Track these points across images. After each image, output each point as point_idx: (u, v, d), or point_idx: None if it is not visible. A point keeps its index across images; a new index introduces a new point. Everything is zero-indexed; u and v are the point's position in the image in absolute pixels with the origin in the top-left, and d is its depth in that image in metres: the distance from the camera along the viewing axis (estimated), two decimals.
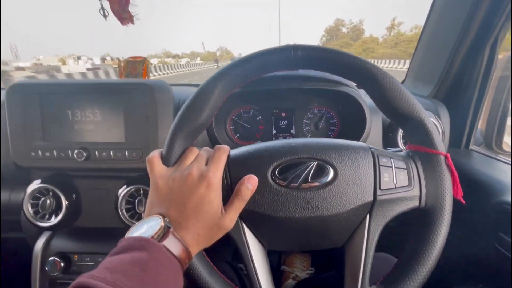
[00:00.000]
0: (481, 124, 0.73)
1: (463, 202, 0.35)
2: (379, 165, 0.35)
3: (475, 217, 0.54)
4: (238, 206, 0.33)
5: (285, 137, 0.73)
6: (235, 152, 0.37)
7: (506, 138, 0.71)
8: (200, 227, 0.31)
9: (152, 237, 0.29)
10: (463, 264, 0.58)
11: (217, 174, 0.33)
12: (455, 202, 0.35)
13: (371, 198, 0.34)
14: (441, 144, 0.35)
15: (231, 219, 0.33)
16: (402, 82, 0.87)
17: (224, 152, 0.35)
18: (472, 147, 0.69)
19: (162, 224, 0.29)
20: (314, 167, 0.35)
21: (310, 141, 0.37)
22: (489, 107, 0.71)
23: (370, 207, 0.35)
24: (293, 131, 0.73)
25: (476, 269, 0.56)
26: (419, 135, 0.35)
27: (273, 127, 0.73)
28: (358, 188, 0.34)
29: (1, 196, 0.70)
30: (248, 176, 0.34)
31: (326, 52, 0.34)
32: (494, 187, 0.53)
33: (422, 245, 0.33)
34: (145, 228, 0.30)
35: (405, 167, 0.35)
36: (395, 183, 0.35)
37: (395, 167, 0.35)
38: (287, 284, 0.84)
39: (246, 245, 0.35)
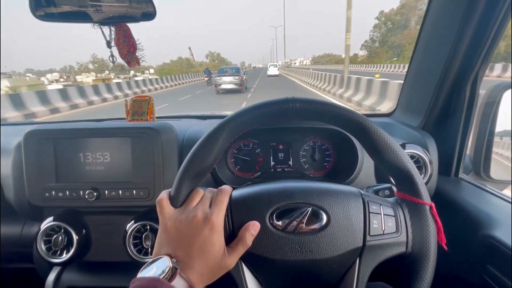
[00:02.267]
0: (470, 150, 0.76)
1: (446, 248, 0.38)
2: (369, 212, 0.38)
3: (464, 247, 0.57)
4: (240, 250, 0.37)
5: (283, 169, 0.77)
6: (237, 193, 0.41)
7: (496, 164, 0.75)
8: (204, 267, 0.35)
9: (162, 277, 0.32)
10: None
11: (219, 216, 0.36)
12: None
13: (360, 244, 0.37)
14: (427, 194, 0.38)
15: (232, 261, 0.36)
16: (393, 112, 0.92)
17: (226, 193, 0.39)
18: (461, 175, 0.72)
19: (170, 265, 0.33)
20: (309, 212, 0.38)
21: (306, 186, 0.41)
22: (475, 136, 0.75)
23: (360, 252, 0.38)
24: (290, 162, 0.77)
25: None
26: (406, 185, 0.39)
27: (271, 159, 0.77)
28: (349, 234, 0.37)
29: (13, 229, 0.74)
30: (253, 222, 0.37)
31: (322, 105, 0.38)
32: (482, 219, 0.56)
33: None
34: (155, 268, 0.33)
35: (393, 214, 0.38)
36: (383, 229, 0.38)
37: (383, 214, 0.38)
38: None
39: (244, 284, 0.38)
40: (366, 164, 0.67)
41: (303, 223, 0.38)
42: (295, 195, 0.39)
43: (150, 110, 0.77)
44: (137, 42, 0.74)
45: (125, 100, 0.78)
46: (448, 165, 0.73)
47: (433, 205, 0.38)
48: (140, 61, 0.76)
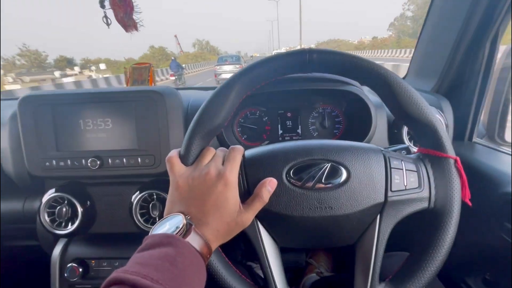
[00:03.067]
0: (484, 116, 0.74)
1: (470, 204, 0.36)
2: (391, 167, 0.36)
3: (480, 208, 0.56)
4: (257, 207, 0.35)
5: (291, 138, 0.75)
6: (250, 152, 0.39)
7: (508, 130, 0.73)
8: (220, 223, 0.33)
9: (176, 234, 0.30)
10: (470, 254, 0.60)
11: (233, 173, 0.35)
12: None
13: (382, 199, 0.36)
14: (451, 148, 0.36)
15: (248, 217, 0.35)
16: (404, 77, 0.88)
17: (239, 152, 0.37)
18: (475, 139, 0.71)
19: (184, 221, 0.31)
20: (328, 168, 0.36)
21: (324, 143, 0.39)
22: (491, 100, 0.72)
23: (381, 208, 0.36)
24: (299, 130, 0.74)
25: (483, 259, 0.58)
26: (430, 139, 0.37)
27: (279, 127, 0.74)
28: (370, 189, 0.36)
29: (14, 205, 0.72)
30: (269, 179, 0.35)
31: (340, 56, 0.36)
32: (498, 178, 0.54)
33: (430, 245, 0.35)
34: (168, 226, 0.31)
35: (415, 169, 0.37)
36: (405, 184, 0.36)
37: (405, 169, 0.37)
38: (310, 277, 0.87)
39: (260, 242, 0.37)
40: (379, 128, 0.65)
41: (322, 178, 0.36)
42: (312, 151, 0.37)
43: (151, 77, 0.73)
44: (134, 3, 0.69)
45: (124, 68, 0.74)
46: (461, 129, 0.71)
47: (458, 158, 0.36)
48: (138, 25, 0.71)
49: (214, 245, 0.34)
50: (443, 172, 0.36)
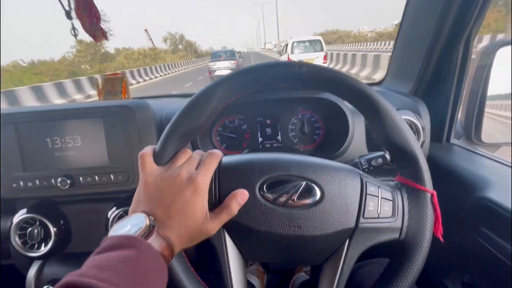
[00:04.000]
0: (461, 117, 0.75)
1: (442, 240, 0.36)
2: (366, 193, 0.36)
3: (458, 211, 0.56)
4: (224, 218, 0.34)
5: (271, 145, 0.74)
6: (227, 159, 0.38)
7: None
8: (183, 228, 0.32)
9: (138, 235, 0.29)
10: (448, 257, 0.60)
11: (205, 179, 0.33)
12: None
13: (353, 225, 0.35)
14: (430, 182, 0.36)
15: (213, 226, 0.34)
16: (383, 80, 0.88)
17: (216, 157, 0.35)
18: (453, 140, 0.71)
19: (148, 222, 0.30)
20: (302, 186, 0.35)
21: (302, 159, 0.38)
22: (467, 100, 0.73)
23: (350, 233, 0.36)
24: (279, 137, 0.73)
25: (461, 262, 0.59)
26: (410, 170, 0.36)
27: (259, 135, 0.73)
28: (341, 213, 0.35)
29: None
30: (241, 191, 0.34)
31: (330, 73, 0.35)
32: (474, 182, 0.55)
33: (396, 275, 0.35)
34: (129, 226, 0.30)
35: (391, 198, 0.36)
36: (379, 212, 0.35)
37: (381, 197, 0.36)
38: (299, 276, 0.86)
39: (225, 253, 0.36)
40: (357, 134, 0.65)
41: (294, 196, 0.35)
42: (289, 166, 0.36)
43: (124, 89, 0.71)
44: (101, 13, 0.66)
45: (96, 79, 0.71)
46: (439, 131, 0.71)
47: (435, 193, 0.36)
48: (108, 34, 0.69)
49: (177, 249, 0.32)
50: (418, 204, 0.35)
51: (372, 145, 0.66)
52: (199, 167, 0.34)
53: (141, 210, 0.32)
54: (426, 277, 0.53)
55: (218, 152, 0.36)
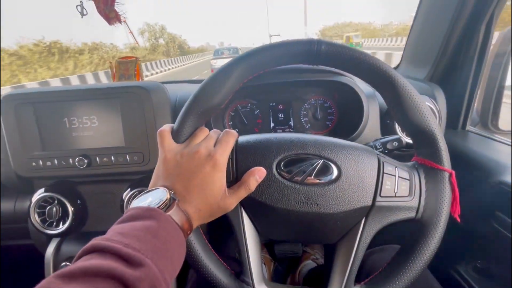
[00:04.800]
0: (477, 104, 0.73)
1: (459, 220, 0.36)
2: (383, 172, 0.36)
3: (473, 197, 0.56)
4: (242, 194, 0.34)
5: (283, 130, 0.74)
6: (244, 138, 0.38)
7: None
8: (202, 203, 0.33)
9: (159, 207, 0.30)
10: (461, 242, 0.60)
11: (224, 156, 0.34)
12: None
13: (369, 203, 0.35)
14: (449, 161, 0.36)
15: (231, 202, 0.34)
16: (397, 66, 0.87)
17: (233, 136, 0.36)
18: (468, 127, 0.70)
19: (168, 196, 0.31)
20: (319, 164, 0.35)
21: (319, 138, 0.38)
22: (485, 86, 0.71)
23: (367, 211, 0.36)
24: (291, 123, 0.73)
25: (474, 247, 0.58)
26: (428, 149, 0.36)
27: (271, 120, 0.73)
28: (358, 191, 0.35)
29: (4, 206, 0.71)
30: (259, 168, 0.35)
31: (349, 51, 0.34)
32: (491, 167, 0.54)
33: (410, 255, 0.35)
34: (150, 198, 0.31)
35: (408, 178, 0.36)
36: (395, 191, 0.35)
37: (398, 176, 0.36)
38: (306, 264, 0.87)
39: (242, 229, 0.37)
40: (371, 118, 0.64)
41: (312, 174, 0.35)
42: (307, 145, 0.36)
43: (137, 72, 0.71)
44: None
45: (110, 62, 0.72)
46: (455, 118, 0.70)
47: (453, 173, 0.35)
48: (121, 17, 0.69)
49: (196, 223, 0.33)
50: (436, 184, 0.35)
51: (386, 130, 0.65)
52: (217, 144, 0.34)
53: (161, 184, 0.33)
54: (438, 261, 0.53)
55: (234, 131, 0.36)
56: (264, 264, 0.94)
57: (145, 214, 0.29)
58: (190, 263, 0.36)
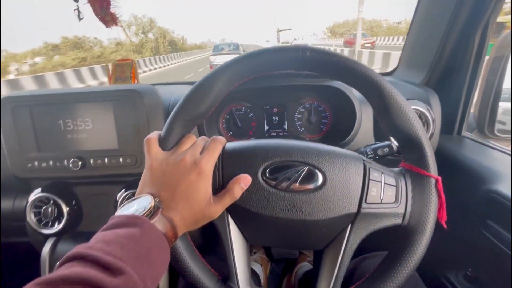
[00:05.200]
0: (474, 109, 0.72)
1: (445, 226, 0.36)
2: (369, 179, 0.35)
3: (464, 204, 0.55)
4: (227, 202, 0.35)
5: (278, 134, 0.74)
6: (231, 145, 0.38)
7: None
8: (187, 211, 0.33)
9: (143, 215, 0.30)
10: (452, 250, 0.60)
11: (209, 164, 0.34)
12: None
13: (355, 210, 0.35)
14: (435, 168, 0.35)
15: (216, 210, 0.34)
16: (394, 70, 0.86)
17: (220, 143, 0.36)
18: (464, 133, 0.69)
19: (153, 203, 0.31)
20: (304, 171, 0.35)
21: (304, 145, 0.38)
22: (481, 91, 0.70)
23: (352, 218, 0.36)
24: (285, 126, 0.73)
25: (465, 255, 0.58)
26: (414, 155, 0.36)
27: (265, 123, 0.73)
28: (344, 198, 0.35)
29: (3, 204, 0.72)
30: (244, 175, 0.35)
31: (335, 57, 0.34)
32: (483, 174, 0.53)
33: (396, 261, 0.35)
34: (136, 206, 0.31)
35: (394, 184, 0.36)
36: (381, 198, 0.35)
37: (384, 183, 0.36)
38: (302, 266, 0.87)
39: (228, 236, 0.37)
40: (364, 123, 0.64)
41: (297, 181, 0.35)
42: (292, 152, 0.36)
43: (133, 74, 0.72)
44: None
45: (107, 64, 0.73)
46: (450, 123, 0.69)
47: (439, 179, 0.35)
48: (118, 20, 0.70)
49: (181, 231, 0.33)
50: (422, 190, 0.35)
51: (379, 135, 0.65)
52: (203, 152, 0.35)
53: (147, 191, 0.33)
54: (428, 268, 0.53)
55: (221, 138, 0.37)
56: (261, 265, 0.94)
57: (129, 221, 0.29)
58: (177, 269, 0.36)
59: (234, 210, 0.36)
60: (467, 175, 0.57)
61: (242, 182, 0.34)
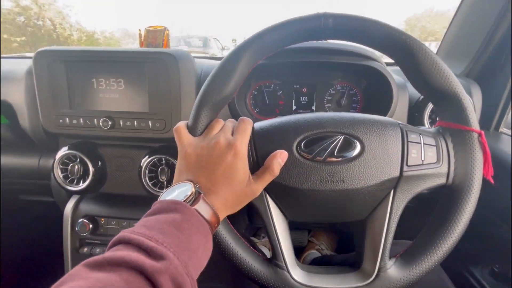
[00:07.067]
0: None
1: (492, 181, 0.34)
2: (408, 141, 0.34)
3: (498, 199, 0.53)
4: (267, 179, 0.34)
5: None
6: (259, 124, 0.37)
7: None
8: (229, 193, 0.33)
9: (184, 201, 0.30)
10: (479, 244, 0.58)
11: (243, 143, 0.34)
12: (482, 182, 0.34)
13: (397, 174, 0.34)
14: (476, 121, 0.34)
15: (257, 188, 0.34)
16: None
17: (249, 123, 0.36)
18: (502, 129, 0.66)
19: (193, 189, 0.31)
20: (340, 141, 0.35)
21: (337, 115, 0.37)
22: None
23: (395, 183, 0.35)
24: (313, 107, 0.72)
25: (493, 250, 0.56)
26: (452, 111, 0.34)
27: (293, 102, 0.72)
28: (384, 163, 0.34)
29: (29, 162, 0.74)
30: (280, 151, 0.34)
31: (358, 21, 0.33)
32: None
33: (446, 221, 0.33)
34: (177, 192, 0.31)
35: (434, 144, 0.35)
36: (423, 159, 0.34)
37: (424, 143, 0.34)
38: (311, 253, 0.87)
39: (269, 215, 0.36)
40: (399, 108, 0.62)
41: (334, 151, 0.34)
42: (325, 123, 0.35)
43: (165, 41, 0.71)
44: None
45: (139, 30, 0.72)
46: (488, 118, 0.66)
47: (482, 132, 0.33)
48: None
49: (223, 215, 0.33)
50: (464, 146, 0.34)
51: (413, 123, 0.63)
52: (235, 133, 0.34)
53: (185, 178, 0.33)
54: (452, 262, 0.52)
55: (248, 119, 0.36)
56: (269, 249, 0.95)
57: (170, 207, 0.29)
58: (221, 253, 0.36)
59: (273, 188, 0.36)
60: (502, 169, 0.55)
61: (280, 158, 0.34)
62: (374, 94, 0.66)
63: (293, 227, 0.39)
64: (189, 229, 0.28)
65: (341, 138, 0.35)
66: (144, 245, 0.25)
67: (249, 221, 1.01)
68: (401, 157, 0.34)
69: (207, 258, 0.30)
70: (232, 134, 0.35)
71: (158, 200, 0.31)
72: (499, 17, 0.61)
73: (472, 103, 0.60)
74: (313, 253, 0.92)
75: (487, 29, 0.64)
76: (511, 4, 0.59)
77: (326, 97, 0.71)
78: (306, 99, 0.71)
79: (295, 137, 0.35)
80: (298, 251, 0.94)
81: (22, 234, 0.97)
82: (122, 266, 0.23)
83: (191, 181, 0.32)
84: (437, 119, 0.38)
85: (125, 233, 0.26)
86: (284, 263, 0.36)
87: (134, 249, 0.25)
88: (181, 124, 0.36)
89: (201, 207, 0.30)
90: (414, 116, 0.63)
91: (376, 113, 0.62)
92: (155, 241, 0.25)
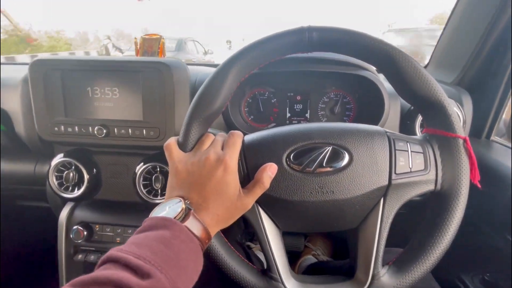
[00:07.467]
0: (506, 115, 0.70)
1: (479, 186, 0.35)
2: (395, 149, 0.35)
3: (490, 208, 0.54)
4: (258, 192, 0.34)
5: (299, 122, 0.73)
6: (249, 137, 0.38)
7: None
8: (220, 208, 0.33)
9: (174, 218, 0.30)
10: (471, 252, 0.58)
11: (233, 158, 0.34)
12: (471, 189, 0.35)
13: (386, 182, 0.35)
14: (460, 127, 0.34)
15: (248, 201, 0.34)
16: (425, 67, 0.84)
17: (239, 136, 0.36)
18: (493, 137, 0.67)
19: (183, 206, 0.31)
20: (329, 151, 0.35)
21: (325, 126, 0.37)
22: None
23: (384, 191, 0.35)
24: (307, 115, 0.72)
25: (485, 259, 0.57)
26: (437, 119, 0.35)
27: (287, 110, 0.73)
28: (373, 173, 0.34)
29: (25, 168, 0.75)
30: (270, 164, 0.35)
31: (342, 34, 0.34)
32: (510, 178, 0.52)
33: (436, 227, 0.34)
34: (167, 209, 0.31)
35: (421, 151, 0.35)
36: (410, 167, 0.35)
37: (411, 151, 0.35)
38: (307, 258, 0.88)
39: (262, 227, 0.37)
40: (391, 117, 0.62)
41: (323, 162, 0.35)
42: (313, 134, 0.36)
43: (161, 50, 0.72)
44: None
45: (135, 38, 0.73)
46: (480, 126, 0.67)
47: (467, 138, 0.34)
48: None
49: (214, 230, 0.33)
50: (451, 152, 0.34)
51: (405, 131, 0.64)
52: (225, 147, 0.35)
53: (176, 194, 0.33)
54: (442, 269, 0.52)
55: (238, 132, 0.37)
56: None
57: (159, 223, 0.29)
58: (215, 267, 0.36)
59: (264, 200, 0.36)
60: (493, 178, 0.55)
61: (269, 170, 0.34)
62: (367, 103, 0.67)
63: (289, 232, 0.40)
64: (178, 246, 0.28)
65: (329, 149, 0.35)
66: (132, 264, 0.25)
67: (245, 226, 1.01)
68: (389, 165, 0.35)
69: (197, 273, 0.30)
70: (222, 148, 0.35)
71: (149, 216, 0.32)
72: (490, 26, 0.62)
73: (462, 114, 0.60)
74: (309, 259, 0.92)
75: (477, 39, 0.64)
76: (501, 14, 0.60)
77: (320, 105, 0.72)
78: (300, 107, 0.72)
79: (285, 150, 0.36)
80: (295, 256, 0.94)
81: (19, 239, 0.97)
82: (108, 285, 0.23)
83: (182, 197, 0.32)
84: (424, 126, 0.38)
85: (113, 251, 0.27)
86: (278, 275, 0.36)
87: (121, 268, 0.25)
88: (172, 141, 0.36)
89: (191, 223, 0.31)
90: (406, 125, 0.64)
91: (368, 121, 0.64)
92: (143, 259, 0.25)
